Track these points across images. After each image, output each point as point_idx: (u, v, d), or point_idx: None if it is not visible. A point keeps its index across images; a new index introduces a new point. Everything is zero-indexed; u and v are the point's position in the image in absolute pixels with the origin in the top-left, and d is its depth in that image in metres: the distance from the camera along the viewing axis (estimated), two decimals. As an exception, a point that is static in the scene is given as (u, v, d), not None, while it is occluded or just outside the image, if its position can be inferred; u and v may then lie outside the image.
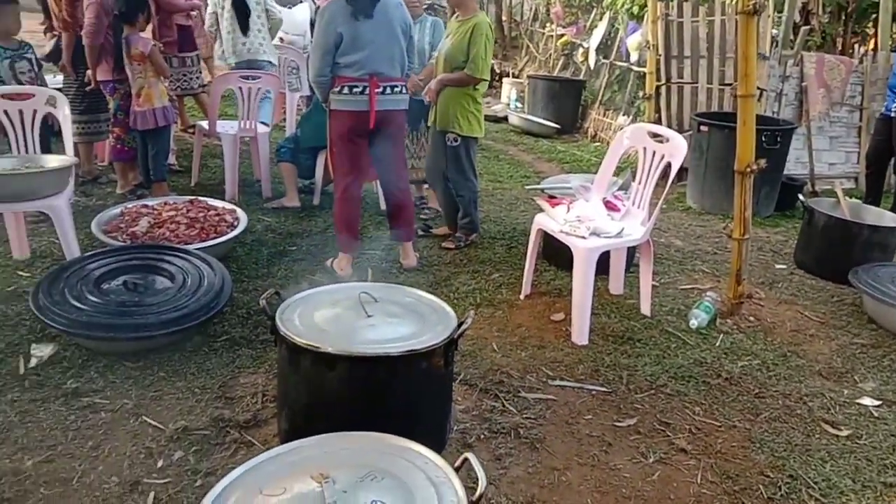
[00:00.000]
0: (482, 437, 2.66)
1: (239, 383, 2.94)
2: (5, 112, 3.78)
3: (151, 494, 2.27)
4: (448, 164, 4.48)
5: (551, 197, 4.07)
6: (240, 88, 5.31)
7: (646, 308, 3.76)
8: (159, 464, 2.42)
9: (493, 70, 10.62)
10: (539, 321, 3.64)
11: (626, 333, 3.52)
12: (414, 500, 1.59)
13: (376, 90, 3.71)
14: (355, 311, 2.43)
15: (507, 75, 11.75)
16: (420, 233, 4.74)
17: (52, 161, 3.63)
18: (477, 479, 1.63)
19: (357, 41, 3.66)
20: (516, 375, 3.10)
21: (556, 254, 4.19)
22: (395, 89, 3.82)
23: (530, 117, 9.26)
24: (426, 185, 5.25)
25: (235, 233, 4.07)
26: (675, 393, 3.03)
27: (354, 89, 3.70)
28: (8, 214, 3.85)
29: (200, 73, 6.67)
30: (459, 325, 2.43)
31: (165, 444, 2.52)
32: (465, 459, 1.75)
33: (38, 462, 2.39)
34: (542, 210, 3.84)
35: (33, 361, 2.97)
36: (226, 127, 5.47)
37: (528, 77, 10.40)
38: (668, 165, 3.50)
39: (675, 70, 6.88)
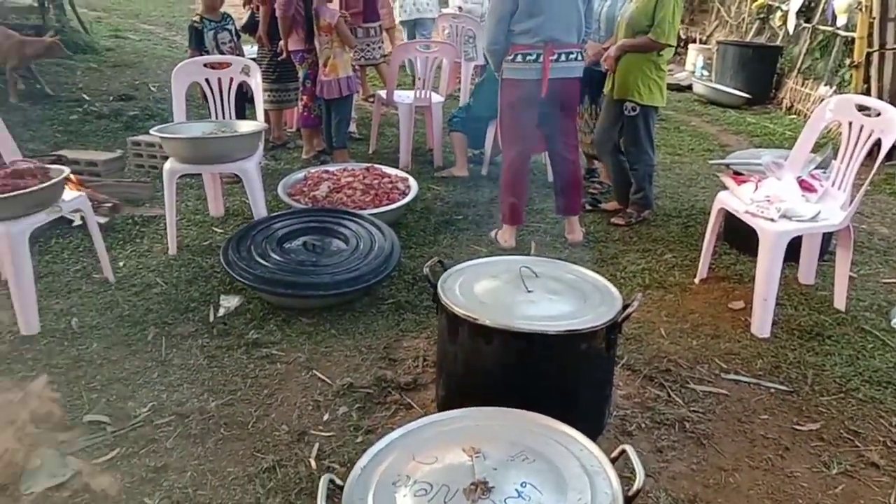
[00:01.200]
0: (643, 426, 2.53)
1: (402, 346, 3.02)
2: (206, 80, 4.13)
3: (316, 445, 2.40)
4: (624, 135, 4.27)
5: (737, 173, 3.74)
6: (416, 58, 5.40)
7: (840, 302, 3.36)
8: (325, 417, 2.56)
9: (678, 36, 10.02)
10: (714, 308, 3.39)
11: (815, 328, 3.18)
12: (565, 487, 1.53)
13: (550, 57, 3.60)
14: (515, 285, 2.39)
15: (694, 41, 11.00)
16: (588, 207, 4.59)
17: (245, 126, 3.92)
18: (634, 473, 1.55)
19: (533, 7, 3.56)
20: (685, 365, 2.90)
21: (740, 236, 3.87)
22: (571, 56, 3.68)
23: (717, 86, 8.62)
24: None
25: (406, 200, 4.18)
26: (869, 399, 2.69)
27: (528, 57, 3.61)
28: (206, 175, 4.23)
29: (382, 43, 6.88)
30: (625, 307, 2.31)
31: (332, 399, 2.65)
32: (623, 451, 1.66)
33: (220, 404, 2.62)
34: (725, 187, 3.54)
35: (221, 311, 3.25)
36: (402, 97, 5.61)
37: (718, 43, 9.66)
38: (878, 143, 3.08)
39: (891, 34, 6.03)
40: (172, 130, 3.77)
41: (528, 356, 2.20)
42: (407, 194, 4.27)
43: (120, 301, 3.35)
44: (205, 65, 4.15)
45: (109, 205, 4.30)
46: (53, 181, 3.05)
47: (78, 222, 4.01)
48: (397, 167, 5.14)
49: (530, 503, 1.47)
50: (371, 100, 7.08)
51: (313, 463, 2.32)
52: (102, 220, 4.07)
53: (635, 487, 1.52)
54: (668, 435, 2.48)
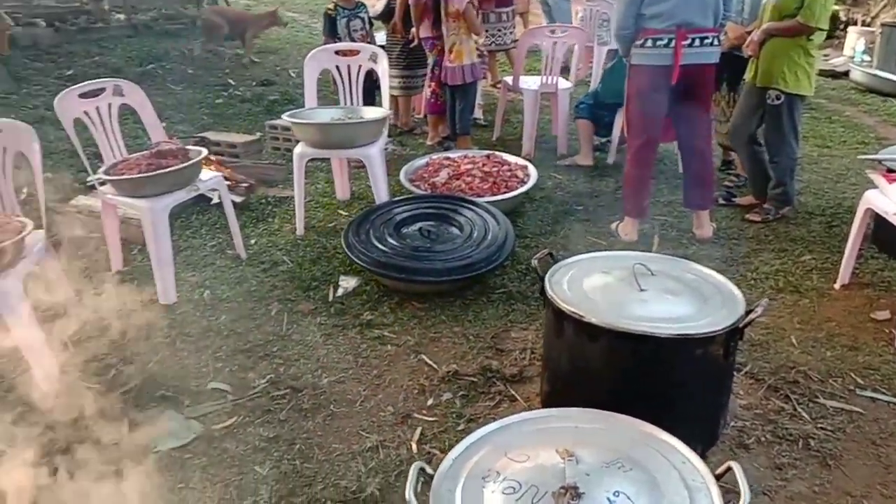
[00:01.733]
0: (762, 440, 2.36)
1: (510, 336, 3.00)
2: (336, 67, 4.26)
3: (419, 429, 2.44)
4: (765, 126, 3.98)
5: (890, 170, 3.38)
6: (544, 43, 5.30)
7: None
8: (429, 402, 2.59)
9: (835, 17, 9.21)
10: (855, 317, 3.09)
11: (975, 347, 2.83)
12: (661, 501, 1.45)
13: (683, 42, 3.40)
14: (628, 283, 2.29)
15: (855, 23, 10.04)
16: (720, 202, 4.32)
17: (370, 113, 4.01)
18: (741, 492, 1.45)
19: (666, -11, 3.38)
20: (816, 378, 2.68)
21: (890, 239, 3.51)
22: (706, 41, 3.46)
23: (880, 73, 7.81)
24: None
25: (524, 189, 4.13)
26: None
27: (658, 42, 3.44)
28: (334, 160, 4.38)
29: (514, 28, 6.81)
30: (748, 312, 2.15)
31: (437, 384, 2.68)
32: (729, 468, 1.55)
33: (332, 381, 2.72)
34: (874, 185, 3.21)
35: (340, 291, 3.37)
36: (528, 83, 5.53)
37: (883, 25, 8.75)
38: None
39: None
40: (303, 116, 3.93)
41: (636, 359, 2.11)
42: (526, 182, 4.22)
43: (249, 277, 3.55)
44: (335, 52, 4.29)
45: (246, 185, 4.56)
46: (191, 162, 3.27)
47: (216, 200, 4.28)
48: (520, 154, 5.10)
49: (621, 514, 1.41)
50: (499, 86, 7.05)
51: (414, 447, 2.36)
52: (238, 199, 4.33)
53: (740, 508, 1.42)
54: (790, 452, 2.30)
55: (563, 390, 2.35)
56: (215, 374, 2.79)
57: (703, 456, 2.17)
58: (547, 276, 2.38)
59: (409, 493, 1.50)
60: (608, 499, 1.44)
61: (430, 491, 1.53)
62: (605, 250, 2.82)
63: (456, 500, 1.51)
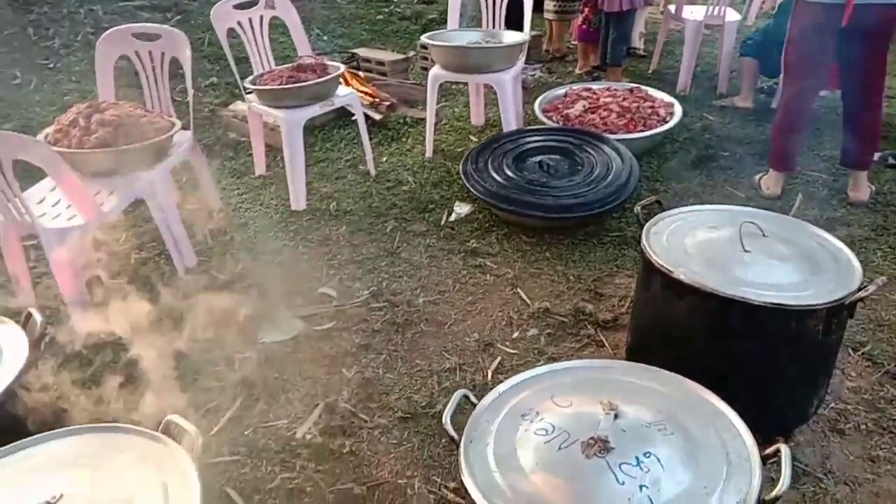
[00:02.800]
0: (862, 428, 2.17)
1: (613, 282, 2.93)
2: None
3: (498, 359, 2.50)
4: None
5: None
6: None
7: None
8: (514, 335, 2.62)
9: None
10: None
11: None
12: (694, 471, 1.40)
13: (860, -22, 2.98)
14: (732, 242, 2.14)
15: None
16: (892, 161, 3.84)
17: (509, 37, 3.93)
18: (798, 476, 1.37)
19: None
20: (945, 371, 2.40)
21: None
22: (892, -22, 3.01)
23: None
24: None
25: (661, 129, 3.90)
26: None
27: (833, -24, 3.03)
28: (471, 84, 4.36)
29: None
30: (861, 288, 1.95)
31: (525, 319, 2.70)
32: (778, 450, 1.46)
33: (427, 301, 2.82)
34: None
35: (453, 216, 3.44)
36: (693, 12, 5.12)
37: None
38: None
39: None
40: (442, 38, 3.94)
41: (723, 324, 2.00)
42: (667, 122, 3.98)
43: (373, 193, 3.71)
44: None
45: (387, 103, 4.68)
46: (327, 77, 3.42)
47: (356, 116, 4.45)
48: (674, 89, 4.80)
49: (646, 476, 1.38)
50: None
51: (490, 374, 2.42)
52: (377, 116, 4.47)
53: (773, 493, 1.35)
54: (891, 445, 2.10)
55: (646, 345, 2.29)
56: (326, 280, 3.00)
57: (784, 434, 2.07)
58: (647, 224, 2.28)
59: (445, 417, 1.57)
60: (636, 457, 1.42)
61: (469, 418, 1.59)
62: (740, 205, 2.62)
63: (491, 433, 1.56)
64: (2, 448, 1.52)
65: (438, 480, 2.03)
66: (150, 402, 2.04)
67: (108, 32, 3.21)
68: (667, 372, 1.72)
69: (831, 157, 3.88)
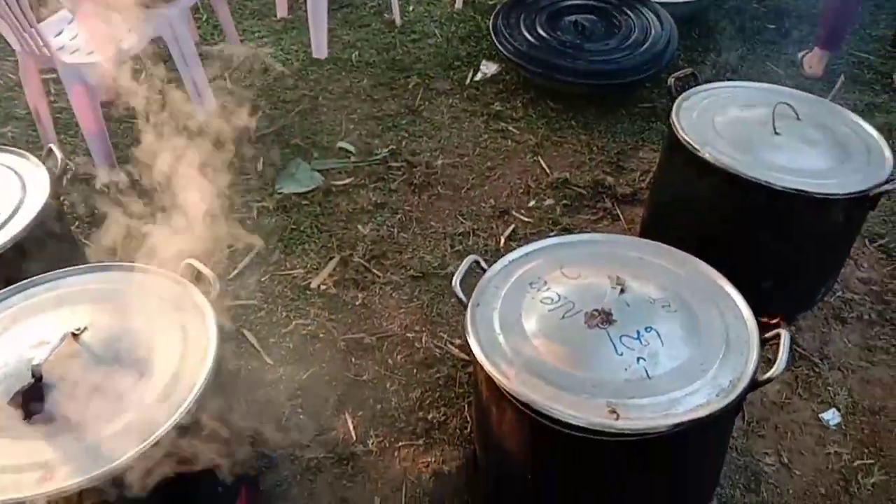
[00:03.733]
0: (864, 317, 2.21)
1: (637, 156, 2.88)
2: None
3: (512, 226, 2.52)
4: None
5: None
6: None
7: None
8: (530, 203, 2.62)
9: None
10: None
11: None
12: (693, 348, 1.45)
13: None
14: (763, 123, 2.07)
15: None
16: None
17: None
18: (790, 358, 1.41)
19: None
20: (961, 268, 2.39)
21: None
22: None
23: None
24: None
25: (706, -6, 3.66)
26: None
27: None
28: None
29: None
30: (888, 180, 1.91)
31: (543, 189, 2.69)
32: (777, 335, 1.49)
33: (446, 164, 2.80)
34: None
35: (479, 75, 3.33)
36: None
37: None
38: None
39: None
40: None
41: (742, 206, 1.98)
42: (713, -13, 3.72)
43: (397, 45, 3.57)
44: None
45: (418, -54, 4.39)
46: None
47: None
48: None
49: (644, 349, 1.43)
50: None
51: (502, 241, 2.45)
52: (407, -40, 4.21)
53: (768, 374, 1.40)
54: (889, 337, 2.14)
55: (661, 222, 2.28)
56: (346, 135, 2.97)
57: (789, 319, 2.11)
58: (679, 98, 2.21)
59: (455, 281, 1.60)
60: (637, 331, 1.47)
61: (477, 284, 1.63)
62: (778, 83, 2.50)
63: (499, 296, 1.60)
64: (29, 279, 1.59)
65: (444, 336, 2.12)
66: (167, 243, 2.10)
67: None
68: (678, 251, 1.73)
69: (882, 38, 3.66)
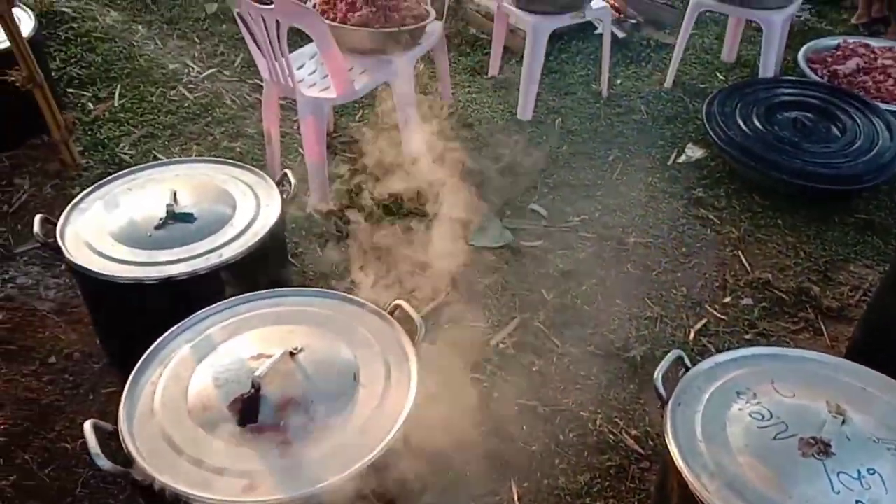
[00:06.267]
0: None
1: (847, 268, 2.67)
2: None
3: (704, 321, 2.41)
4: None
5: None
6: None
7: None
8: (726, 299, 2.50)
9: None
10: None
11: None
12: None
13: None
14: None
15: None
16: None
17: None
18: None
19: None
20: None
21: None
22: None
23: None
24: None
25: (948, 108, 3.37)
26: None
27: None
28: (732, 17, 3.99)
29: None
30: None
31: (742, 286, 2.56)
32: None
33: (638, 242, 2.75)
34: None
35: (682, 158, 3.25)
36: None
37: None
38: None
39: None
40: (716, -40, 3.60)
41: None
42: (956, 101, 3.43)
43: (601, 115, 3.59)
44: None
45: (634, 21, 4.43)
46: (587, -12, 3.27)
47: (599, 31, 4.26)
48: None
49: (865, 492, 1.31)
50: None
51: (692, 334, 2.35)
52: (621, 34, 4.25)
53: None
54: None
55: (877, 347, 2.09)
56: (539, 198, 3.00)
57: None
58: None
59: (657, 375, 1.55)
60: (858, 470, 1.34)
61: (680, 381, 1.56)
62: None
63: (702, 399, 1.53)
64: (256, 293, 1.73)
65: (620, 423, 2.05)
66: (370, 277, 2.22)
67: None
68: (903, 385, 1.58)
69: None
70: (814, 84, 3.40)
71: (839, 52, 3.80)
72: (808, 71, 3.63)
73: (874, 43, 3.93)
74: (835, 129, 3.09)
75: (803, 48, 3.83)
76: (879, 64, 3.61)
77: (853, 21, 4.82)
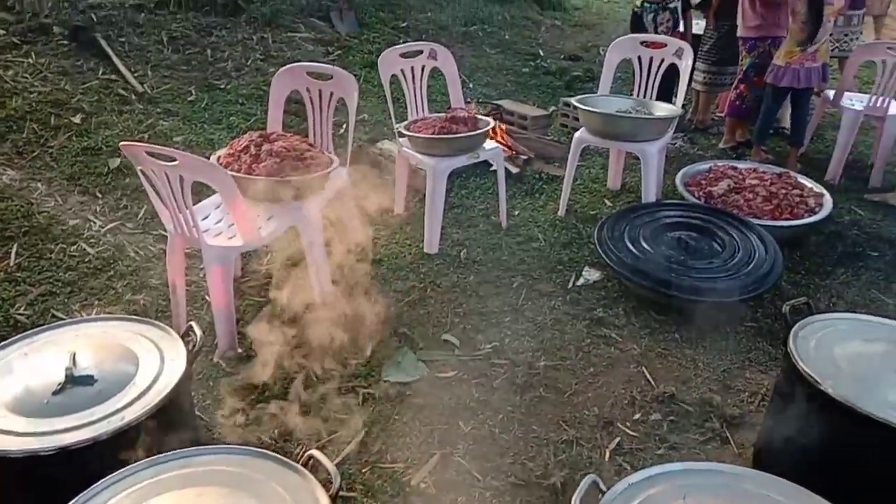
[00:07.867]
0: None
1: (743, 376, 2.83)
2: (638, 58, 4.18)
3: (617, 439, 2.46)
4: None
5: None
6: (882, 60, 4.64)
7: None
8: (636, 416, 2.58)
9: None
10: None
11: None
12: None
13: None
14: (888, 359, 2.04)
15: None
16: None
17: (659, 110, 3.92)
18: None
19: None
20: None
21: None
22: None
23: None
24: None
25: (810, 220, 3.74)
26: None
27: None
28: (612, 150, 4.37)
29: (860, 34, 6.03)
30: None
31: (649, 402, 2.65)
32: None
33: (548, 366, 2.83)
34: None
35: (581, 281, 3.43)
36: (853, 101, 4.90)
37: None
38: None
39: None
40: (591, 102, 3.98)
41: (871, 447, 1.89)
42: (815, 213, 3.81)
43: (503, 245, 3.77)
44: (640, 42, 4.22)
45: (525, 157, 4.76)
46: (478, 132, 3.54)
47: (494, 168, 4.55)
48: (822, 177, 4.60)
49: None
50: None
51: (607, 454, 2.39)
52: (514, 170, 4.55)
53: None
54: None
55: (779, 454, 2.18)
56: (451, 328, 3.07)
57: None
58: (795, 327, 2.21)
59: (575, 501, 1.57)
60: (773, 583, 1.37)
61: (597, 506, 1.58)
62: (887, 316, 2.47)
63: (618, 524, 1.55)
64: (162, 455, 1.66)
65: (547, 555, 2.02)
66: (278, 424, 2.16)
67: (287, 68, 3.48)
68: (807, 491, 1.65)
69: None
70: (692, 205, 3.72)
71: (711, 175, 4.20)
72: (685, 193, 3.98)
73: (741, 165, 4.37)
74: (716, 246, 3.36)
75: (679, 173, 4.21)
76: (748, 183, 4.01)
77: (720, 146, 5.37)
